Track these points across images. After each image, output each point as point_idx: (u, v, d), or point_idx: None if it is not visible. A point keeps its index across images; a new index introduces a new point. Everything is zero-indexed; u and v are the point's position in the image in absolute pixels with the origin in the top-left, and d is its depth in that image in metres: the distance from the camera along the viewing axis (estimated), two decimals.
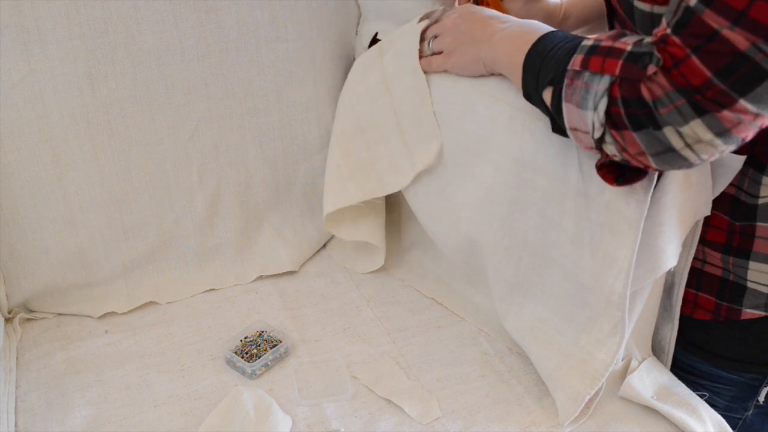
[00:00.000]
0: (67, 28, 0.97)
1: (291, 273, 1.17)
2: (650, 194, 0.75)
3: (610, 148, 0.69)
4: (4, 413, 0.88)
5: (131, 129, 1.05)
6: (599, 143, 0.70)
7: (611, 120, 0.67)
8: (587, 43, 0.70)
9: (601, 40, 0.70)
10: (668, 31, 0.63)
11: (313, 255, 1.21)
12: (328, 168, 1.11)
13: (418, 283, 1.13)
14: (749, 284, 0.85)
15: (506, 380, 0.94)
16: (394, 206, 1.18)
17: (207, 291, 1.13)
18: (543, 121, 0.84)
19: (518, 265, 0.92)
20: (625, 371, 0.90)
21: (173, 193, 1.10)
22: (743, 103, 0.60)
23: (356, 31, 1.15)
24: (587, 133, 0.70)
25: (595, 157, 0.77)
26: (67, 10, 0.96)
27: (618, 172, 0.74)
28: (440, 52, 0.97)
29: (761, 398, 0.92)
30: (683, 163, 0.66)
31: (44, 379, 0.95)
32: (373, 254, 1.16)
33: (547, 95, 0.76)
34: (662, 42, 0.63)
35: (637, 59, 0.64)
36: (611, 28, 0.93)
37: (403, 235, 1.20)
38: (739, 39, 0.58)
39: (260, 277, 1.15)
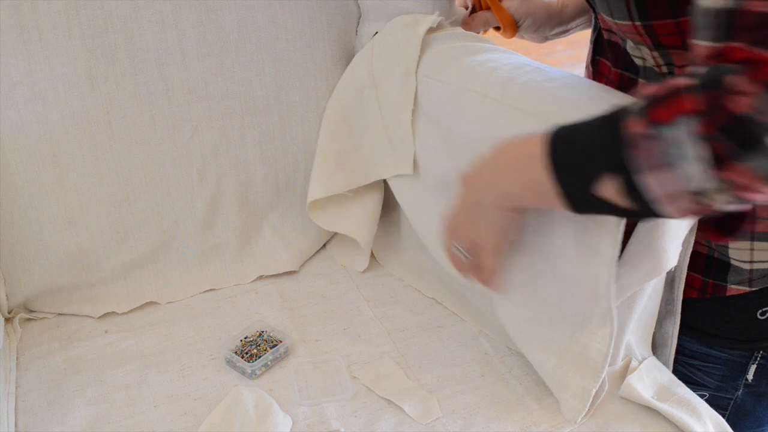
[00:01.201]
0: (67, 28, 0.97)
1: (291, 273, 1.17)
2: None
3: (721, 198, 0.60)
4: (4, 413, 0.88)
5: (131, 129, 1.05)
6: (705, 197, 0.61)
7: (715, 161, 0.58)
8: (632, 106, 0.62)
9: (645, 95, 0.62)
10: (716, 44, 0.58)
11: (313, 255, 1.21)
12: (316, 155, 1.12)
13: (418, 283, 1.13)
14: (732, 261, 0.86)
15: (506, 380, 0.94)
16: (394, 206, 1.19)
17: (207, 291, 1.13)
18: (532, 116, 0.82)
19: (511, 263, 0.91)
20: (625, 371, 0.90)
21: (173, 193, 1.10)
22: None
23: (356, 31, 1.15)
24: (687, 193, 0.61)
25: None
26: (67, 10, 0.96)
27: (720, 226, 0.70)
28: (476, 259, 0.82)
29: (750, 376, 0.93)
30: None
31: (44, 379, 0.95)
32: (363, 251, 1.16)
33: (606, 187, 0.64)
34: (717, 57, 0.58)
35: (707, 83, 0.57)
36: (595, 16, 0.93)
37: (404, 235, 1.20)
38: None
39: (260, 277, 1.15)
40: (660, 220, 0.77)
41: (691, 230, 0.85)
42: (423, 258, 1.16)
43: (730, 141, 0.57)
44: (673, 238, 0.80)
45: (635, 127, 0.61)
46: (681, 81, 0.60)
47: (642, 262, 0.78)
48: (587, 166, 0.65)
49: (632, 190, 0.63)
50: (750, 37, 0.56)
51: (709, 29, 0.59)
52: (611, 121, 0.63)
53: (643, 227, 0.79)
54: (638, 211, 0.65)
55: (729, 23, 0.57)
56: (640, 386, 0.87)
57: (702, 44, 0.60)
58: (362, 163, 1.10)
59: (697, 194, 0.60)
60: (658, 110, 0.60)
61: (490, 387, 0.93)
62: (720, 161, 0.58)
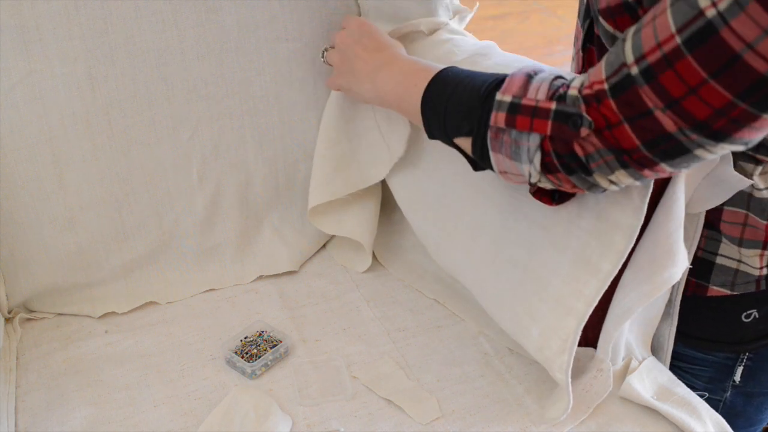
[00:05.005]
0: (67, 28, 0.97)
1: (291, 273, 1.17)
2: (647, 202, 0.74)
3: (546, 184, 0.74)
4: (4, 413, 0.88)
5: (131, 129, 1.05)
6: (534, 184, 0.74)
7: (545, 167, 0.71)
8: (505, 99, 0.71)
9: (519, 96, 0.70)
10: (605, 87, 0.65)
11: (313, 255, 1.21)
12: (315, 159, 1.12)
13: (418, 283, 1.13)
14: (718, 259, 0.86)
15: (506, 380, 0.94)
16: (394, 206, 1.18)
17: (207, 291, 1.13)
18: None
19: (498, 279, 0.91)
20: (625, 371, 0.90)
21: (173, 193, 1.10)
22: (663, 166, 0.66)
23: None
24: (520, 175, 0.74)
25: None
26: (67, 10, 0.96)
27: (552, 194, 0.78)
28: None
29: (737, 378, 0.93)
30: (610, 188, 0.72)
31: (44, 379, 0.95)
32: (365, 252, 1.16)
33: (463, 143, 0.78)
34: (596, 100, 0.65)
35: (566, 119, 0.67)
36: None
37: (405, 235, 1.20)
38: (668, 122, 0.61)
39: (260, 277, 1.15)
40: (679, 222, 0.77)
41: (695, 227, 0.84)
42: (424, 258, 1.16)
43: (560, 162, 0.70)
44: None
45: (499, 120, 0.71)
46: (549, 103, 0.68)
47: (666, 266, 0.76)
48: (451, 121, 0.77)
49: (482, 154, 0.76)
50: (624, 108, 0.64)
51: (611, 72, 0.64)
52: (487, 106, 0.73)
53: (644, 255, 0.79)
54: (481, 167, 0.79)
55: (623, 86, 0.63)
56: (640, 386, 0.87)
57: (602, 72, 0.66)
58: (359, 166, 1.10)
59: (531, 183, 0.74)
60: (521, 119, 0.70)
61: (490, 387, 0.93)
62: (550, 168, 0.71)
